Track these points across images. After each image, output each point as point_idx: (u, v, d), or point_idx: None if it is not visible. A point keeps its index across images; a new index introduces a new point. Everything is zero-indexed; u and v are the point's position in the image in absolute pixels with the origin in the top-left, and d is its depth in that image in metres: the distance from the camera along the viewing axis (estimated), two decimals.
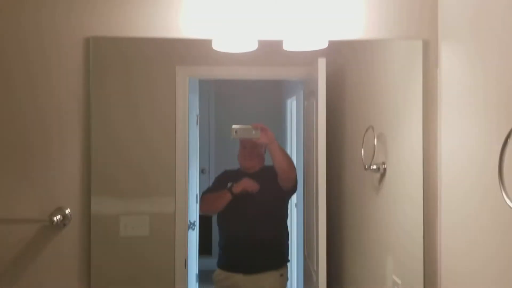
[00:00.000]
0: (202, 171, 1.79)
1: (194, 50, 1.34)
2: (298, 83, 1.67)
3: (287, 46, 1.27)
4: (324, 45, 1.25)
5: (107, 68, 1.35)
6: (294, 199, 1.69)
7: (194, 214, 1.61)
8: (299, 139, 1.70)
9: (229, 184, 1.56)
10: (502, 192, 0.82)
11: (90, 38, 1.29)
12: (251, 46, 1.24)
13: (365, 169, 1.37)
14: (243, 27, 1.18)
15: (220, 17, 1.18)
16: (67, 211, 1.30)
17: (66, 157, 1.32)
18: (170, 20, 1.29)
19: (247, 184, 1.55)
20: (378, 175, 1.36)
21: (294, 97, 1.77)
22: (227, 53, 1.32)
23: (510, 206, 0.81)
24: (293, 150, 1.73)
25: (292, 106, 1.79)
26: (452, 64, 1.21)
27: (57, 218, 1.25)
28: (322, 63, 1.39)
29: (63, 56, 1.30)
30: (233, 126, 1.47)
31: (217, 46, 1.25)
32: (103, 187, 1.35)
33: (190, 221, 1.55)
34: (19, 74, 1.31)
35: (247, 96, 1.74)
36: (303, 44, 1.27)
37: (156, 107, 1.44)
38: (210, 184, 1.67)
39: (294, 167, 1.59)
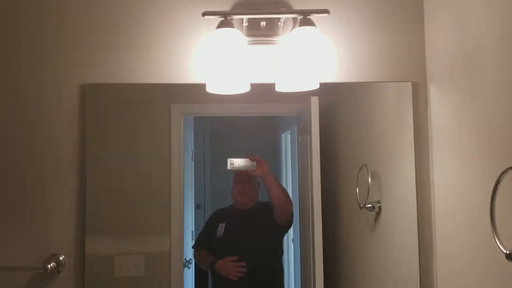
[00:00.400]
0: (197, 207, 1.78)
1: (189, 90, 1.37)
2: (292, 118, 1.69)
3: (279, 88, 1.30)
4: (315, 86, 1.29)
5: (103, 112, 1.37)
6: (291, 234, 1.68)
7: (189, 252, 1.59)
8: (294, 173, 1.71)
9: (212, 260, 1.53)
10: (494, 238, 0.83)
11: (86, 85, 1.32)
12: (244, 89, 1.27)
13: (360, 208, 1.37)
14: (236, 72, 1.21)
15: (213, 62, 1.21)
16: (61, 258, 1.29)
17: (60, 202, 1.32)
18: (164, 66, 1.33)
19: (228, 270, 1.50)
20: (373, 213, 1.36)
21: (289, 132, 1.78)
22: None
23: (502, 251, 0.82)
24: (289, 184, 1.73)
25: (287, 140, 1.81)
26: (441, 105, 1.25)
27: (51, 265, 1.24)
28: (315, 102, 1.42)
29: (59, 102, 1.33)
30: (229, 159, 1.48)
31: (210, 90, 1.28)
32: (98, 228, 1.34)
33: (185, 259, 1.53)
34: (15, 120, 1.33)
35: (241, 131, 1.76)
36: (294, 86, 1.30)
37: (152, 146, 1.45)
38: (205, 220, 1.66)
39: (290, 200, 1.58)
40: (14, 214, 1.31)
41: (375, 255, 1.44)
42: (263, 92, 1.36)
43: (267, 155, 1.72)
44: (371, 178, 1.36)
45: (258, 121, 1.71)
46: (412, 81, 1.32)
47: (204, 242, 1.57)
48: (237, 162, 1.49)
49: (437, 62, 1.26)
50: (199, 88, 1.31)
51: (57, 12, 1.35)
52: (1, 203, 1.31)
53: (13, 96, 1.33)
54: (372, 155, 1.45)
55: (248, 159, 1.48)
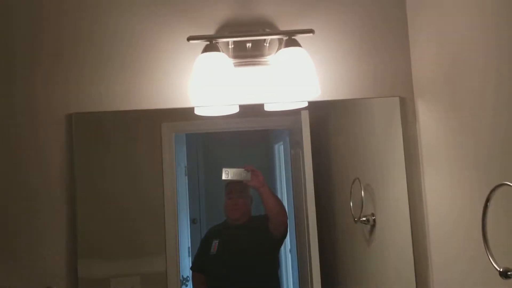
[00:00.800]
0: (193, 221, 1.77)
1: (179, 109, 1.36)
2: (284, 129, 1.70)
3: (268, 108, 1.31)
4: (303, 105, 1.29)
5: (91, 138, 1.37)
6: (288, 244, 1.68)
7: (186, 269, 1.59)
8: (288, 184, 1.72)
9: None
10: (488, 256, 0.84)
11: (72, 114, 1.32)
12: (232, 110, 1.27)
13: (355, 221, 1.38)
14: (223, 94, 1.22)
15: (201, 86, 1.21)
16: None
17: (52, 233, 1.31)
18: (151, 91, 1.33)
19: None
20: (368, 226, 1.37)
21: (282, 142, 1.79)
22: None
23: (496, 269, 0.83)
24: (284, 194, 1.73)
25: (280, 152, 1.81)
26: (429, 119, 1.26)
27: None
28: (305, 116, 1.42)
29: (45, 132, 1.32)
30: (224, 169, 1.48)
31: (199, 112, 1.28)
32: (91, 253, 1.34)
33: (183, 276, 1.52)
34: (3, 150, 1.31)
35: (234, 144, 1.75)
36: (282, 105, 1.31)
37: (143, 165, 1.45)
38: (201, 236, 1.66)
39: (285, 211, 1.59)
40: (4, 248, 1.29)
41: (371, 268, 1.44)
42: (254, 107, 1.37)
43: (261, 166, 1.72)
44: (364, 191, 1.36)
45: (251, 133, 1.71)
46: (399, 96, 1.33)
47: (200, 262, 1.56)
48: (232, 172, 1.49)
49: (423, 76, 1.27)
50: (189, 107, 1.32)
51: (43, 42, 1.34)
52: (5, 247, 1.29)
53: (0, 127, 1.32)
54: (364, 168, 1.46)
55: (243, 169, 1.48)
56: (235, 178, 1.50)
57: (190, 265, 1.60)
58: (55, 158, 1.31)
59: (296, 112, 1.42)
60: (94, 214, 1.36)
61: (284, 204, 1.59)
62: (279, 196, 1.68)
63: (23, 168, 1.31)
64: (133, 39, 1.33)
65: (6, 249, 1.29)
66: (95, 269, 1.34)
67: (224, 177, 1.49)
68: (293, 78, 1.18)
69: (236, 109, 1.28)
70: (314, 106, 1.38)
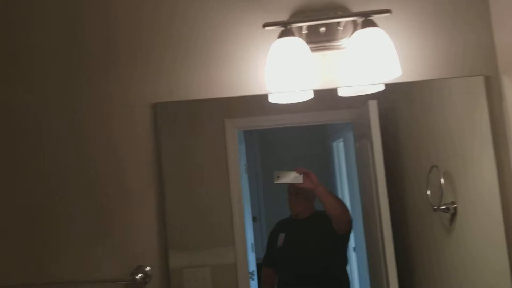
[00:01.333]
0: (253, 219, 1.78)
1: (240, 103, 1.39)
2: (343, 125, 1.67)
3: (342, 93, 1.29)
4: (380, 88, 1.27)
5: (171, 129, 1.41)
6: (352, 243, 1.64)
7: (252, 263, 1.59)
8: (351, 181, 1.68)
9: None
10: None
11: (157, 103, 1.38)
12: (307, 96, 1.27)
13: (434, 210, 1.33)
14: (299, 80, 1.22)
15: (277, 72, 1.21)
16: (147, 269, 1.33)
17: (143, 216, 1.37)
18: (228, 80, 1.36)
19: None
20: (448, 215, 1.31)
21: (341, 139, 1.76)
22: (274, 103, 1.36)
23: None
24: (345, 192, 1.70)
25: (339, 148, 1.78)
26: None
27: (139, 276, 1.28)
28: (373, 106, 1.40)
29: (133, 120, 1.39)
30: (276, 172, 1.47)
31: (274, 100, 1.28)
32: (172, 243, 1.38)
33: (248, 270, 1.52)
34: (95, 141, 1.39)
35: (291, 142, 1.75)
36: (358, 89, 1.29)
37: (210, 161, 1.47)
38: (263, 232, 1.65)
39: (347, 209, 1.56)
40: (102, 230, 1.38)
41: (453, 258, 1.37)
42: (328, 93, 1.36)
43: (319, 164, 1.70)
44: (444, 178, 1.31)
45: (308, 130, 1.70)
46: (483, 75, 1.27)
47: (269, 255, 1.56)
48: (283, 175, 1.48)
49: (509, 52, 1.21)
50: (250, 101, 1.34)
51: (124, 33, 1.41)
52: (91, 221, 1.38)
53: (90, 119, 1.40)
54: (443, 155, 1.40)
55: (294, 172, 1.47)
56: (286, 181, 1.49)
57: (255, 260, 1.60)
58: (144, 148, 1.38)
59: (361, 102, 1.40)
60: (177, 204, 1.40)
61: (345, 203, 1.58)
62: (340, 194, 1.66)
63: (118, 157, 1.39)
64: (211, 28, 1.37)
65: (104, 232, 1.37)
66: (171, 260, 1.38)
67: (275, 180, 1.48)
68: (372, 59, 1.15)
69: (310, 95, 1.28)
70: (380, 93, 1.35)
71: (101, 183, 1.38)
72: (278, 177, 1.48)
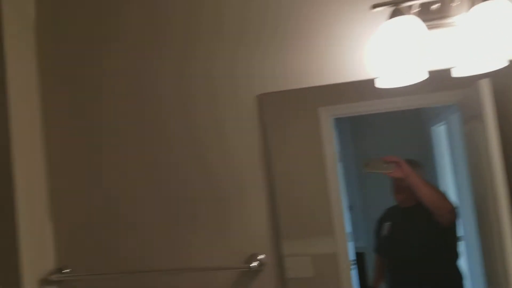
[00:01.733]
0: (349, 208, 1.74)
1: (333, 91, 1.37)
2: (445, 108, 1.56)
3: (457, 73, 1.20)
4: (503, 64, 1.15)
5: (275, 120, 1.44)
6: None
7: (351, 252, 1.57)
8: (457, 168, 1.57)
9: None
10: None
11: (262, 94, 1.41)
12: (420, 77, 1.20)
13: None
14: (413, 60, 1.15)
15: (388, 54, 1.16)
16: (261, 257, 1.37)
17: (255, 205, 1.42)
18: (335, 66, 1.34)
19: None
20: None
21: (442, 123, 1.65)
22: (373, 88, 1.30)
23: None
24: (449, 180, 1.59)
25: (441, 133, 1.67)
26: None
27: (254, 264, 1.32)
28: (486, 85, 1.29)
29: (240, 112, 1.44)
30: (364, 160, 1.42)
31: (382, 84, 1.23)
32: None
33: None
34: (208, 131, 1.46)
35: (386, 127, 1.67)
36: (476, 67, 1.19)
37: (308, 150, 1.46)
38: (360, 221, 1.61)
39: (446, 200, 1.45)
40: (218, 219, 1.45)
41: None
42: (441, 74, 1.28)
43: (416, 151, 1.61)
44: None
45: (404, 114, 1.61)
46: None
47: (377, 243, 1.55)
48: (373, 164, 1.42)
49: None
50: (342, 88, 1.33)
51: (232, 21, 1.44)
52: (208, 210, 1.45)
53: (200, 110, 1.46)
54: None
55: (383, 161, 1.39)
56: (375, 170, 1.43)
57: (354, 249, 1.58)
58: (251, 139, 1.42)
59: (467, 83, 1.30)
60: (282, 194, 1.43)
61: (445, 193, 1.48)
62: (443, 182, 1.55)
63: (222, 149, 1.45)
64: (314, 14, 1.37)
65: (220, 221, 1.44)
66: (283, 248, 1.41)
67: (364, 169, 1.42)
68: (492, 34, 1.05)
69: (424, 76, 1.21)
70: (492, 74, 1.24)
71: (214, 173, 1.45)
72: (367, 165, 1.44)
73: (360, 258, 1.61)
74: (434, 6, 1.19)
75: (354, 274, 1.56)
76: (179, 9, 1.47)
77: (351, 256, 1.56)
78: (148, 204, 1.49)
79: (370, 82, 1.31)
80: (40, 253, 1.49)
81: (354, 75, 1.32)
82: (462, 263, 1.56)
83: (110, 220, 1.51)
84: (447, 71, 1.24)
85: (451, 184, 1.56)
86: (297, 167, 1.45)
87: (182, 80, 1.47)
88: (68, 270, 1.53)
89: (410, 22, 1.13)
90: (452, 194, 1.46)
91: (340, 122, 1.66)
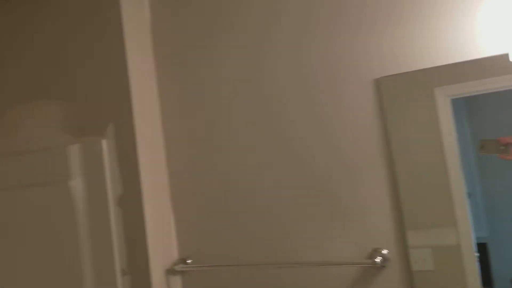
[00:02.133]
0: (468, 195, 1.62)
1: (450, 69, 1.28)
2: None
3: None
4: None
5: (393, 103, 1.38)
6: None
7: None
8: None
9: None
10: None
11: (380, 78, 1.36)
12: None
13: None
14: None
15: None
16: (384, 252, 1.32)
17: (375, 194, 1.37)
18: (453, 44, 1.25)
19: None
20: None
21: None
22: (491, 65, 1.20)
23: None
24: None
25: None
26: None
27: (378, 259, 1.28)
28: None
29: (356, 96, 1.39)
30: (480, 140, 1.33)
31: None
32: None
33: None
34: (318, 118, 1.44)
35: (504, 107, 1.51)
36: None
37: (427, 133, 1.38)
38: (480, 209, 1.48)
39: None
40: (334, 211, 1.42)
41: None
42: None
43: None
44: None
45: None
46: None
47: None
48: (488, 145, 1.30)
49: None
50: (462, 66, 1.25)
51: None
52: (325, 202, 1.42)
53: (314, 96, 1.44)
54: None
55: (500, 142, 1.27)
56: (489, 152, 1.31)
57: (475, 239, 1.46)
58: (371, 124, 1.38)
59: None
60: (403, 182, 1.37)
61: None
62: None
63: (337, 135, 1.42)
64: None
65: (337, 213, 1.41)
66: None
67: (479, 151, 1.29)
68: None
69: None
70: None
71: (332, 159, 1.41)
72: (482, 147, 1.31)
73: (482, 249, 1.50)
74: None
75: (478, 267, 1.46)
76: None
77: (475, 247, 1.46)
78: (267, 194, 1.49)
79: (493, 59, 1.22)
80: (165, 245, 1.59)
81: (474, 53, 1.23)
82: None
83: (228, 211, 1.55)
84: None
85: None
86: (416, 152, 1.38)
87: (300, 63, 1.45)
88: (190, 261, 1.60)
89: None
90: None
91: (456, 103, 1.55)
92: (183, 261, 1.60)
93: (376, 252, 1.33)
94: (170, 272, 1.59)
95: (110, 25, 1.56)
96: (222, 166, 1.56)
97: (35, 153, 1.69)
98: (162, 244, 1.58)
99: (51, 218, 1.64)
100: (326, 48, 1.42)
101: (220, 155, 1.57)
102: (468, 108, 1.64)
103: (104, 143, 1.58)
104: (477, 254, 1.44)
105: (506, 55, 1.18)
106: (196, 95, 1.62)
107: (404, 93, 1.37)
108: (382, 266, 1.31)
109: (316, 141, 1.44)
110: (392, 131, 1.37)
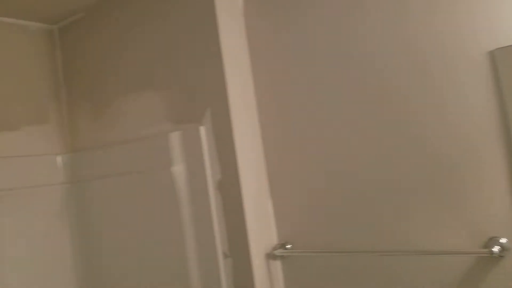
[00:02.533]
0: None
1: None
2: None
3: None
4: None
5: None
6: None
7: None
8: None
9: None
10: None
11: (495, 50, 1.20)
12: None
13: None
14: None
15: None
16: (502, 240, 1.19)
17: (493, 178, 1.23)
18: None
19: None
20: None
21: None
22: None
23: None
24: None
25: None
26: None
27: (495, 249, 1.16)
28: None
29: (467, 69, 1.25)
30: None
31: None
32: None
33: None
34: (438, 94, 1.31)
35: None
36: None
37: None
38: None
39: None
40: (447, 198, 1.30)
41: None
42: None
43: None
44: None
45: None
46: None
47: None
48: None
49: None
50: None
51: None
52: (437, 189, 1.32)
53: (421, 69, 1.33)
54: None
55: None
56: None
57: None
58: (487, 101, 1.23)
59: None
60: None
61: None
62: None
63: (449, 112, 1.29)
64: None
65: (451, 199, 1.29)
66: None
67: None
68: None
69: None
70: None
71: (446, 140, 1.30)
72: None
73: None
74: None
75: None
76: None
77: None
78: (373, 176, 1.41)
79: None
80: (264, 229, 1.60)
81: None
82: None
83: (329, 196, 1.50)
84: None
85: None
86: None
87: (407, 40, 1.35)
88: (289, 246, 1.59)
89: None
90: None
91: None
92: (282, 246, 1.60)
93: (493, 241, 1.19)
94: (270, 256, 1.60)
95: (206, 17, 1.59)
96: (323, 148, 1.51)
97: (140, 141, 1.78)
98: (261, 229, 1.59)
99: (156, 203, 1.73)
100: (434, 21, 1.29)
101: (320, 137, 1.52)
102: None
103: (202, 130, 1.62)
104: None
105: None
106: (291, 78, 1.59)
107: None
108: (500, 256, 1.17)
109: (429, 121, 1.31)
110: (511, 109, 1.21)
